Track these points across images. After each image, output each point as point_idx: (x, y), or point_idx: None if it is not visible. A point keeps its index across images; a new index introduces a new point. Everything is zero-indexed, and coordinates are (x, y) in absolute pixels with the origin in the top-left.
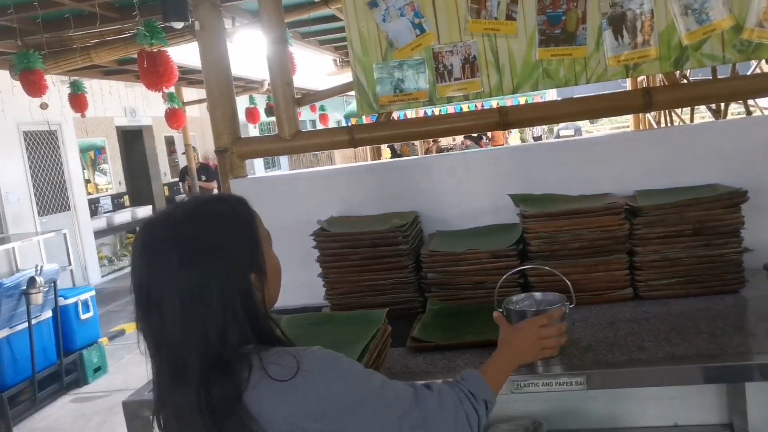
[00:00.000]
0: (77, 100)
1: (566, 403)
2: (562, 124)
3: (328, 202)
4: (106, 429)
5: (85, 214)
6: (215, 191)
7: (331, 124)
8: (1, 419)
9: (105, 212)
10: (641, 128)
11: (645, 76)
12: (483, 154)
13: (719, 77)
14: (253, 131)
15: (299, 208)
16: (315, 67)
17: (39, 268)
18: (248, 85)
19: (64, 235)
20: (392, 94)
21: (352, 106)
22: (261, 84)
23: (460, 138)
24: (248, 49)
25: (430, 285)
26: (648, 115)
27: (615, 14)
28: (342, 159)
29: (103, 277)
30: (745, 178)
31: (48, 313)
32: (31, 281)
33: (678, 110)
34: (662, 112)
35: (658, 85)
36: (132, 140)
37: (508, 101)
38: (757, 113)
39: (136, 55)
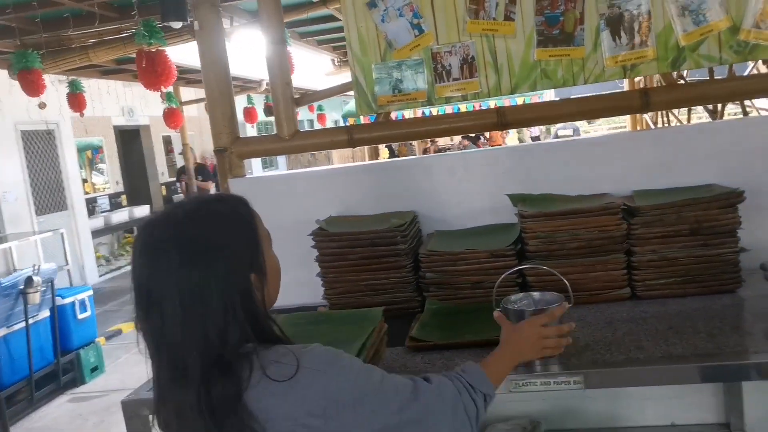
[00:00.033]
0: (75, 100)
1: (564, 402)
2: (560, 125)
3: (326, 202)
4: (103, 429)
5: (83, 214)
6: (212, 191)
7: (329, 124)
8: None
9: (102, 212)
10: (638, 129)
11: (642, 77)
12: (481, 154)
13: (716, 78)
14: (251, 131)
15: (298, 208)
16: (313, 67)
17: (36, 267)
18: (246, 85)
19: (62, 234)
20: (391, 95)
21: (350, 105)
22: (259, 84)
23: (457, 138)
24: (246, 49)
25: (428, 284)
26: (645, 115)
27: (612, 15)
28: (340, 159)
29: (100, 276)
30: (742, 178)
31: (45, 313)
32: (29, 281)
33: (675, 111)
34: (659, 112)
35: (655, 85)
36: (129, 140)
37: (506, 101)
38: (754, 114)
39: (134, 55)
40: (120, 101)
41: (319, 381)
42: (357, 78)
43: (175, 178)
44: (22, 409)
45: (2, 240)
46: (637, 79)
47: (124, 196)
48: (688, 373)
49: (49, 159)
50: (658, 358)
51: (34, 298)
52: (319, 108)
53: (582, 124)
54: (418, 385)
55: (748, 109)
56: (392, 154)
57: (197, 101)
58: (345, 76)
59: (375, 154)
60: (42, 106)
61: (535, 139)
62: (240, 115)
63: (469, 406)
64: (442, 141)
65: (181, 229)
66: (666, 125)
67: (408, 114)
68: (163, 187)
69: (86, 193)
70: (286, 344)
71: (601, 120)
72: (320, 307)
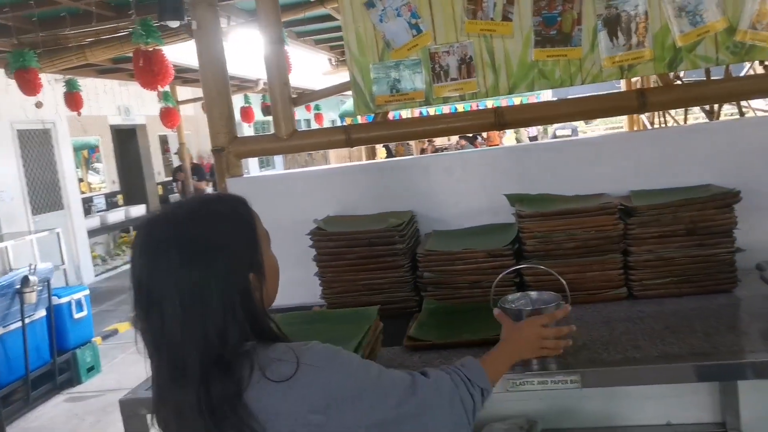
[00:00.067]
0: (73, 99)
1: (561, 401)
2: (558, 125)
3: (324, 202)
4: (99, 428)
5: (79, 213)
6: (208, 190)
7: (326, 124)
8: None
9: (98, 211)
10: (635, 129)
11: (639, 78)
12: (479, 154)
13: (713, 79)
14: (247, 130)
15: (295, 208)
16: (310, 67)
17: (33, 267)
18: (243, 84)
19: (58, 234)
20: (389, 94)
21: (347, 105)
22: (256, 83)
23: (455, 138)
24: (244, 49)
25: (426, 284)
26: (642, 115)
27: (610, 16)
28: (336, 159)
29: (96, 276)
30: (738, 178)
31: (42, 312)
32: (25, 280)
33: (672, 111)
34: (656, 113)
35: (652, 86)
36: (126, 139)
37: (503, 101)
38: (750, 114)
39: (131, 54)
40: (116, 100)
41: (320, 377)
42: (355, 78)
43: (171, 178)
44: (18, 408)
45: None
46: (634, 79)
47: (120, 196)
48: (684, 372)
49: (46, 158)
50: (655, 357)
51: (31, 297)
52: (316, 107)
53: (579, 124)
54: (416, 379)
55: (744, 109)
56: (389, 154)
57: (194, 100)
58: (342, 76)
59: (372, 154)
60: (39, 105)
61: (533, 139)
62: (236, 115)
63: (466, 400)
64: (440, 141)
65: (181, 228)
66: (663, 125)
67: (405, 114)
68: (160, 186)
69: (82, 192)
70: (286, 342)
71: (598, 120)
72: (315, 306)
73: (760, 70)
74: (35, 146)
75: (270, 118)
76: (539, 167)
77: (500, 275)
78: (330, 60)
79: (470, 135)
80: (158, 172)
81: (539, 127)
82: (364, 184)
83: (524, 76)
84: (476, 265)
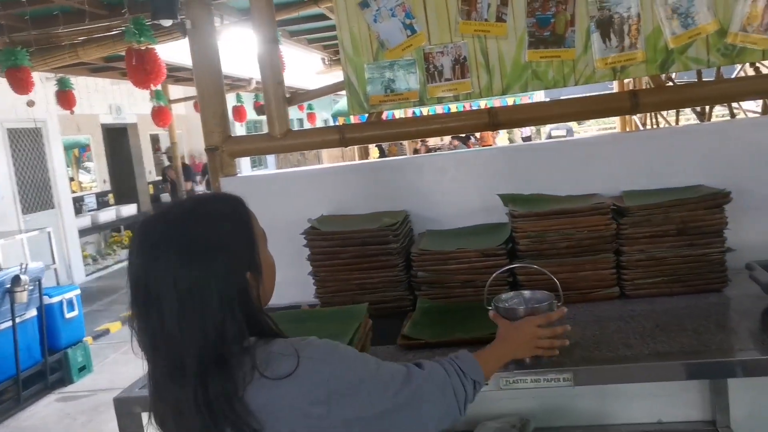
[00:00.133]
0: (65, 97)
1: (553, 400)
2: (554, 125)
3: (318, 201)
4: (91, 428)
5: (70, 213)
6: (201, 190)
7: (319, 123)
8: None
9: (89, 210)
10: (628, 129)
11: (632, 79)
12: (473, 154)
13: (704, 80)
14: (240, 129)
15: (289, 207)
16: (303, 66)
17: (24, 266)
18: (235, 83)
19: (48, 233)
20: (383, 94)
21: (340, 105)
22: (248, 82)
23: (448, 138)
24: (236, 47)
25: (420, 283)
26: (634, 116)
27: (603, 18)
28: (329, 158)
29: (87, 275)
30: (729, 179)
31: (33, 312)
32: (16, 279)
33: (663, 112)
34: (648, 113)
35: (644, 87)
36: (117, 138)
37: (496, 102)
38: (741, 116)
39: (123, 53)
40: (107, 99)
41: (321, 370)
42: (349, 77)
43: (161, 177)
44: (8, 408)
45: None
46: (626, 80)
47: (111, 195)
48: (675, 370)
49: (36, 157)
50: (646, 355)
51: (22, 297)
52: (309, 107)
53: (572, 125)
54: (410, 370)
55: (735, 111)
56: (382, 154)
57: (186, 99)
58: (335, 75)
59: (365, 154)
60: (30, 104)
61: (527, 139)
62: (229, 114)
63: (458, 390)
64: (433, 141)
65: (179, 228)
66: (655, 126)
67: (398, 114)
68: (151, 185)
69: (73, 191)
70: (284, 338)
71: (591, 121)
72: (304, 305)
73: (750, 71)
74: (26, 145)
75: (262, 117)
76: (532, 167)
77: (494, 275)
78: (323, 59)
79: (463, 135)
80: (149, 171)
81: (533, 127)
82: (359, 183)
83: (518, 76)
84: (470, 264)
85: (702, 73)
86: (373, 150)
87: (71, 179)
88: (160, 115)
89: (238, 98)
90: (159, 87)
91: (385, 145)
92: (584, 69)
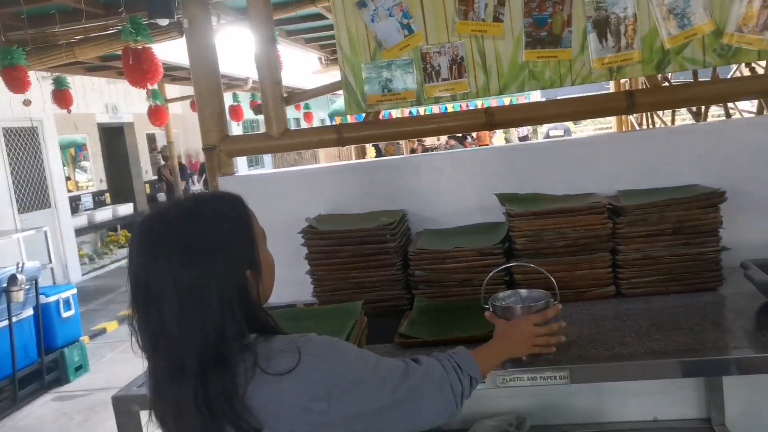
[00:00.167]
0: (62, 96)
1: (550, 398)
2: (551, 125)
3: (316, 201)
4: (88, 427)
5: (66, 212)
6: (192, 190)
7: (316, 123)
8: None
9: (86, 210)
10: (624, 129)
11: (628, 79)
12: (470, 153)
13: (700, 80)
14: (236, 129)
15: (287, 207)
16: (300, 65)
17: (20, 265)
18: (232, 83)
19: (45, 232)
20: (380, 94)
21: (337, 104)
22: (245, 81)
23: (444, 138)
24: (233, 47)
25: (417, 282)
26: (630, 116)
27: (599, 18)
28: (326, 158)
29: (83, 275)
30: (724, 178)
31: (29, 311)
32: (12, 279)
33: (659, 112)
34: (644, 113)
35: (640, 87)
36: (113, 137)
37: (493, 102)
38: (737, 116)
39: (120, 52)
40: (104, 98)
41: (322, 366)
42: (346, 77)
43: (156, 176)
44: (5, 407)
45: None
46: (622, 80)
47: (107, 194)
48: (670, 368)
49: (32, 156)
50: (642, 353)
51: (18, 296)
52: (306, 106)
53: (569, 124)
54: (408, 366)
55: (731, 111)
56: (379, 153)
57: (182, 99)
58: (332, 75)
59: (362, 153)
60: (27, 103)
61: (523, 138)
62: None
63: (455, 385)
64: (429, 140)
65: (179, 227)
66: (651, 126)
67: (396, 113)
68: (147, 185)
69: (69, 191)
70: (284, 335)
71: (588, 120)
72: (300, 304)
73: (746, 72)
74: (22, 144)
75: (259, 116)
76: (529, 167)
77: (490, 273)
78: (320, 59)
79: (459, 135)
80: (146, 171)
81: (529, 127)
82: (356, 183)
83: (515, 76)
84: (467, 263)
85: (698, 73)
86: (370, 149)
87: (68, 178)
88: (156, 114)
89: (235, 98)
90: (155, 86)
91: (382, 144)
92: (581, 69)
